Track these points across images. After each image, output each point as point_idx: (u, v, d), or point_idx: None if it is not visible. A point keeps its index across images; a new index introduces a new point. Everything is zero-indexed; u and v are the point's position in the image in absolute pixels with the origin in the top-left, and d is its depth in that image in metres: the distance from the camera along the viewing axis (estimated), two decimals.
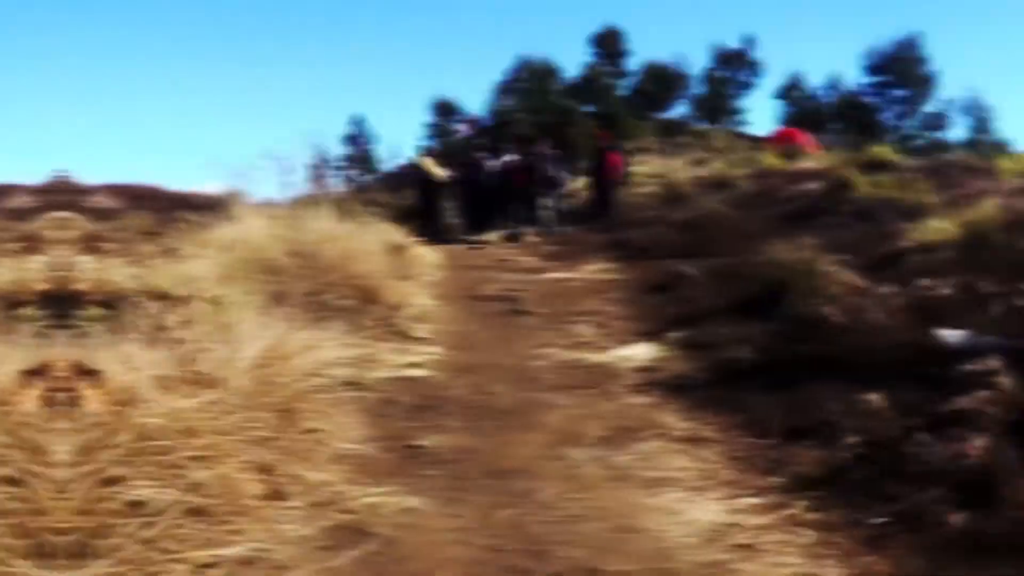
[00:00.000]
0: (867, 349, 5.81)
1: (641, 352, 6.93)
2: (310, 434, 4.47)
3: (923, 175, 14.20)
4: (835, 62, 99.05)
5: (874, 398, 4.87)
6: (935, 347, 5.56)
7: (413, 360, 6.67)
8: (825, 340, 6.28)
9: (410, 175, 18.97)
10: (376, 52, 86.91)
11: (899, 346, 5.73)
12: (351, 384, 5.71)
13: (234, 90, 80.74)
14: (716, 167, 26.53)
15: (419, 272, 10.86)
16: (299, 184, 11.04)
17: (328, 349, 5.51)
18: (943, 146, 29.29)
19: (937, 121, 31.10)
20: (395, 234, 12.51)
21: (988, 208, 8.67)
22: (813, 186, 15.04)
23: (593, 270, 11.26)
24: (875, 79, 33.25)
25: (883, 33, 41.02)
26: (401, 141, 53.88)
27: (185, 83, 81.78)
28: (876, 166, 15.37)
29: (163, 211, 10.45)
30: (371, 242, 9.82)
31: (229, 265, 7.39)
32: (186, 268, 7.03)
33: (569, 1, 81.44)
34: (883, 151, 16.85)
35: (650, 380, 6.26)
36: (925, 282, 7.22)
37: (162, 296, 6.07)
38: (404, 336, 7.56)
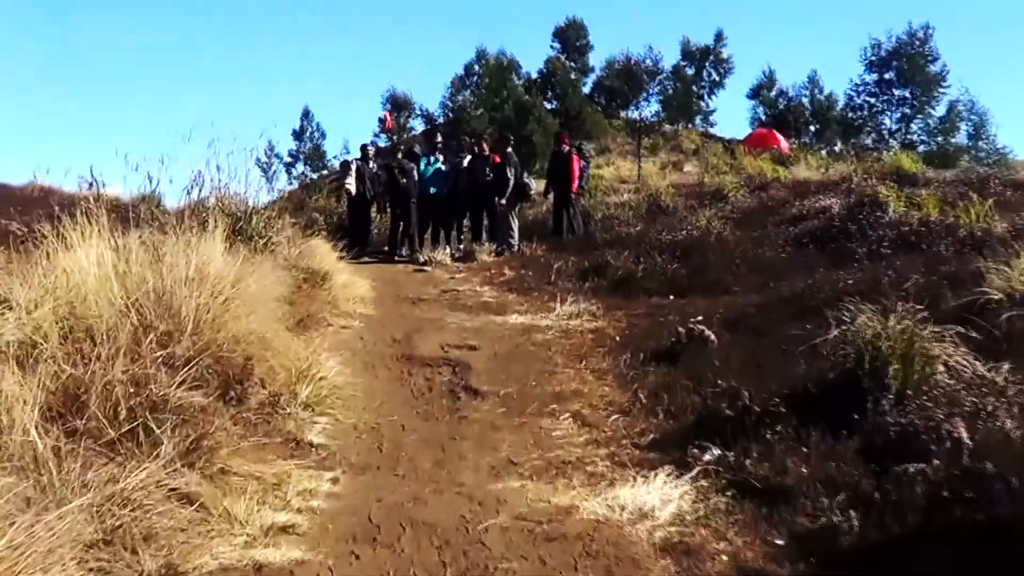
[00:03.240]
0: None
1: (661, 497, 4.24)
2: None
3: (963, 190, 11.86)
4: (809, 60, 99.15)
5: None
6: None
7: (282, 519, 3.95)
8: (968, 487, 3.76)
9: (337, 179, 16.13)
10: (329, 42, 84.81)
11: None
12: None
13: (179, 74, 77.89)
14: (696, 172, 24.38)
15: (337, 315, 8.16)
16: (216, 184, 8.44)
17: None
18: (950, 153, 26.99)
19: (945, 125, 28.65)
20: (322, 254, 9.85)
21: None
22: (829, 202, 12.60)
23: (568, 313, 8.59)
24: (874, 77, 30.28)
25: (885, 27, 39.33)
26: (352, 136, 50.39)
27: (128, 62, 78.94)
28: (899, 178, 12.97)
29: None
30: (268, 277, 7.12)
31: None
32: None
33: None
34: (904, 160, 14.32)
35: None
36: None
37: None
38: (285, 447, 4.90)
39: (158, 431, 4.16)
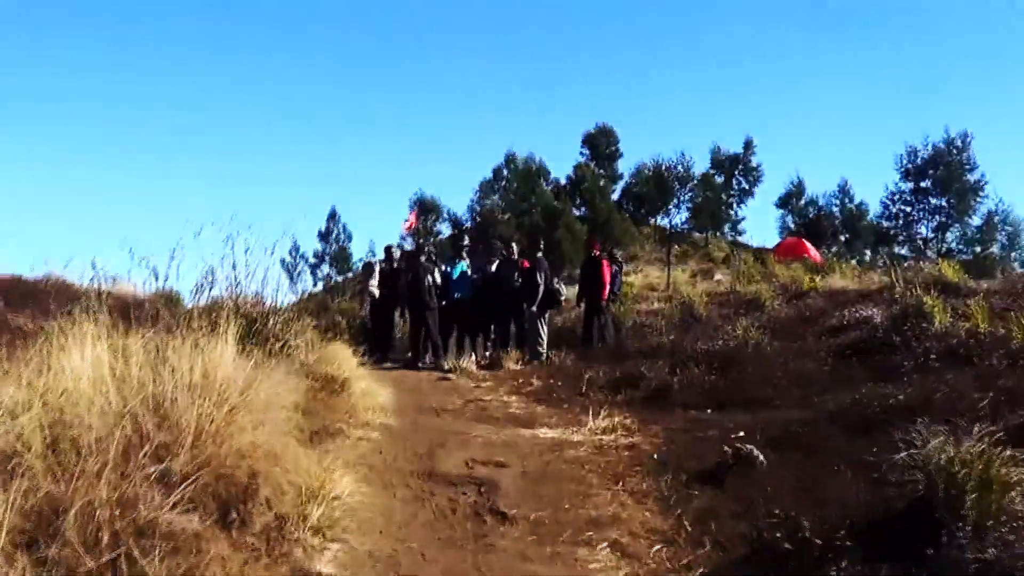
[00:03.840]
0: None
1: None
2: None
3: (1009, 301, 11.30)
4: (839, 169, 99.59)
5: None
6: None
7: None
8: None
9: (361, 282, 15.78)
10: (358, 144, 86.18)
11: None
12: None
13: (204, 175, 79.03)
14: (727, 280, 23.94)
15: (356, 425, 7.64)
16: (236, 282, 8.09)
17: None
18: (986, 263, 26.39)
19: (982, 235, 28.13)
20: (342, 359, 9.37)
21: None
22: (870, 312, 12.05)
23: (601, 427, 8.03)
24: (910, 185, 29.88)
25: (923, 133, 39.09)
26: (378, 238, 50.56)
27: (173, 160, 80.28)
28: (942, 287, 12.40)
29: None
30: (282, 383, 6.65)
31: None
32: None
33: (560, 100, 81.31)
34: (948, 268, 13.78)
35: None
36: None
37: None
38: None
39: (143, 561, 3.64)
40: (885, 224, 34.89)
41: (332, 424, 7.21)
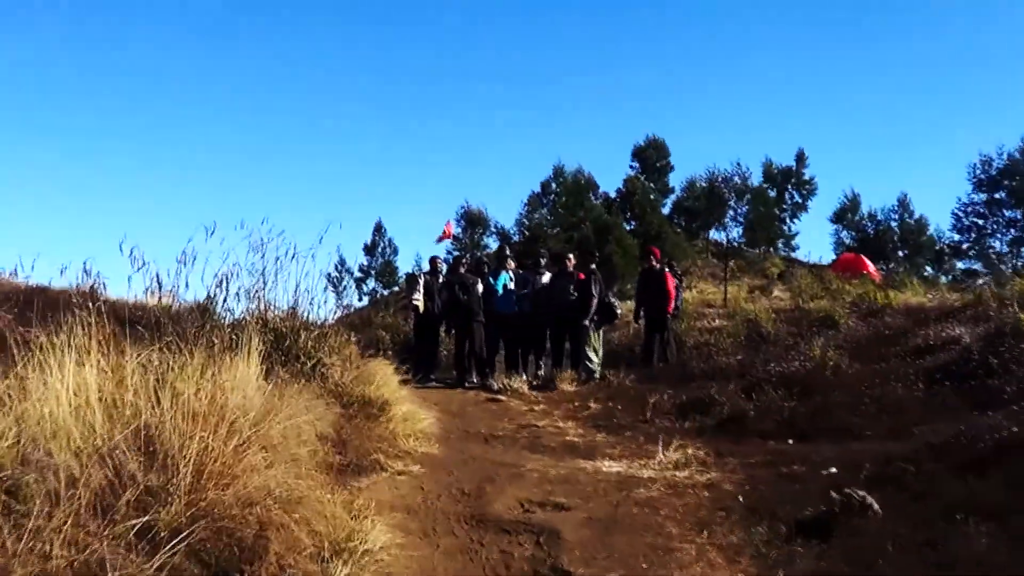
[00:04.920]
0: None
1: None
2: None
3: None
4: (896, 183, 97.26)
5: None
6: None
7: None
8: None
9: (405, 296, 14.86)
10: (406, 159, 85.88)
11: None
12: None
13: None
14: (786, 297, 22.71)
15: (394, 456, 6.71)
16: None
17: None
18: None
19: None
20: (382, 378, 8.50)
21: None
22: (959, 331, 10.94)
23: (673, 461, 7.02)
24: (983, 196, 28.35)
25: (997, 142, 37.34)
26: (425, 253, 49.66)
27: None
28: None
29: None
30: (308, 410, 5.75)
31: None
32: None
33: (609, 112, 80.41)
34: None
35: None
36: None
37: None
38: None
39: None
40: (957, 238, 33.29)
41: (367, 456, 6.30)
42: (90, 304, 5.10)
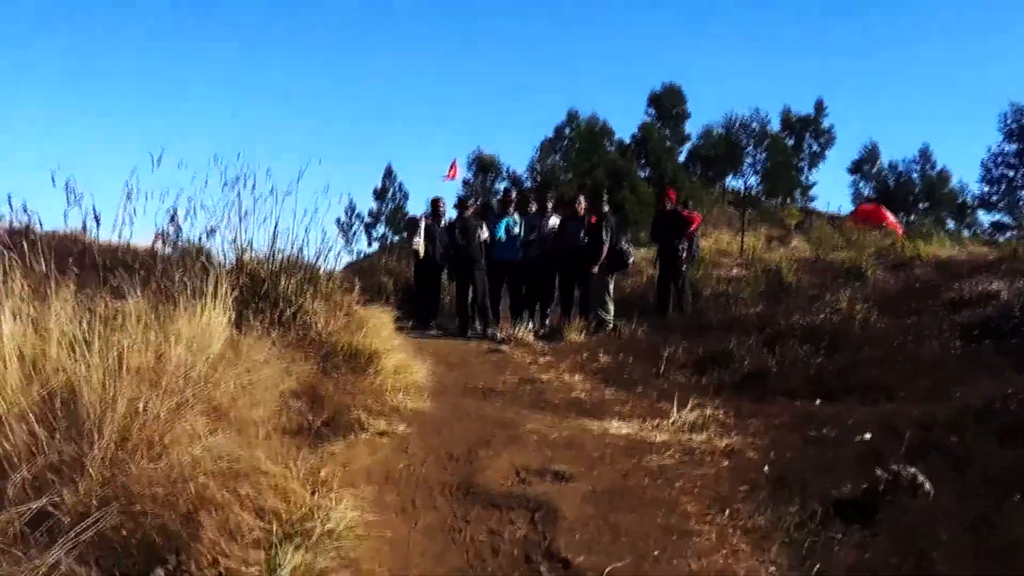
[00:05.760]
0: None
1: None
2: None
3: None
4: (917, 134, 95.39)
5: None
6: None
7: None
8: None
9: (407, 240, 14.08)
10: (415, 101, 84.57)
11: None
12: None
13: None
14: (805, 247, 21.88)
15: (378, 414, 6.03)
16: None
17: None
18: None
19: None
20: (375, 326, 7.84)
21: None
22: (996, 285, 10.24)
23: (689, 422, 6.33)
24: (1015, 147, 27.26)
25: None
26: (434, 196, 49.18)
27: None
28: None
29: None
30: (266, 367, 5.08)
31: None
32: None
33: (625, 57, 78.79)
34: None
35: None
36: None
37: None
38: None
39: None
40: (986, 189, 32.02)
41: (346, 413, 5.60)
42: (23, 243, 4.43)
